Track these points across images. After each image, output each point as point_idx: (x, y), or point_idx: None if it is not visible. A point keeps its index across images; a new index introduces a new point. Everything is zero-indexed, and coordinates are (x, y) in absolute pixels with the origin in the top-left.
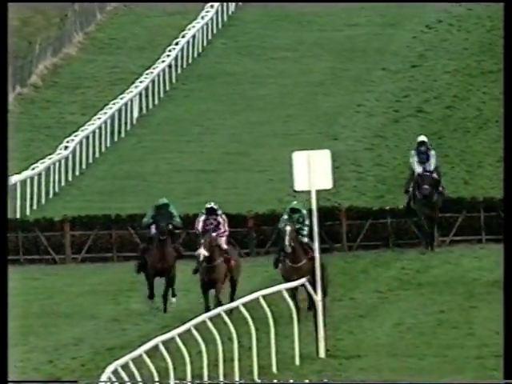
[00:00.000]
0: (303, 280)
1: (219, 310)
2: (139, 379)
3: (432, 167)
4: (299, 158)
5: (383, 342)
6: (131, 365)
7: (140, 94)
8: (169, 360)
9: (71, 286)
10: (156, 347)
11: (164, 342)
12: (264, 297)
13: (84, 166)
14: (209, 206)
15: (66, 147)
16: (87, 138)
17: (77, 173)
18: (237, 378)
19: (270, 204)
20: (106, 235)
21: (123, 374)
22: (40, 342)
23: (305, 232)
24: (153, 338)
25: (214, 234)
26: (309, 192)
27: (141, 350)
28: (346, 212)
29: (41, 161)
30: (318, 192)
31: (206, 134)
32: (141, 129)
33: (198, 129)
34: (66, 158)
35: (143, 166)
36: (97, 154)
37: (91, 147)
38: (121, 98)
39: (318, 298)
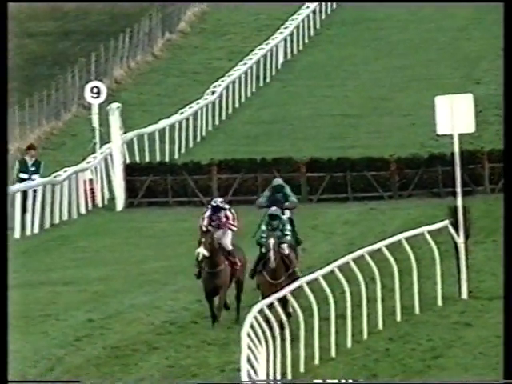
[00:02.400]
0: (446, 222)
1: (362, 251)
2: (284, 319)
3: None
4: (442, 102)
5: None
6: (276, 304)
7: (285, 40)
8: (313, 300)
9: None
10: (300, 287)
11: (308, 283)
12: (406, 239)
13: (230, 111)
14: (214, 203)
15: (213, 92)
16: (233, 83)
17: (223, 117)
18: (380, 319)
19: (413, 148)
20: (252, 178)
21: (269, 314)
22: (188, 281)
23: (288, 237)
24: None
25: (219, 233)
26: (451, 136)
27: (286, 291)
28: (489, 155)
29: (188, 106)
30: (461, 136)
31: (349, 78)
32: (285, 74)
33: (341, 74)
34: (213, 103)
35: (287, 111)
36: (243, 99)
37: (237, 92)
38: (266, 44)
39: (460, 240)
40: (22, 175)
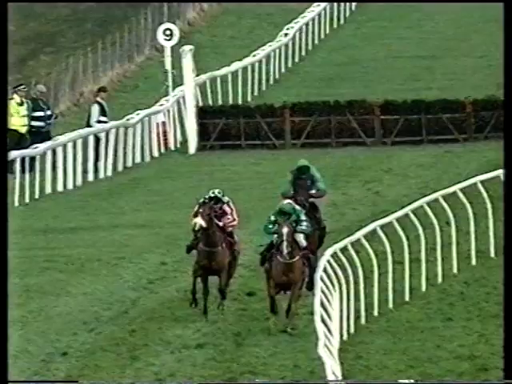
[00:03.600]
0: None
1: (437, 194)
2: (358, 264)
3: None
4: None
5: None
6: (350, 248)
7: None
8: (387, 244)
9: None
10: (374, 231)
11: (382, 226)
12: (482, 182)
13: (304, 53)
14: (212, 194)
15: (286, 34)
16: (307, 25)
17: (296, 59)
18: (454, 263)
19: (489, 89)
20: (325, 121)
21: (342, 258)
22: (257, 224)
23: (303, 227)
24: (370, 222)
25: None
26: None
27: (359, 234)
28: None
29: (261, 48)
30: None
31: (424, 19)
32: (360, 15)
33: (416, 15)
34: (286, 45)
35: (361, 53)
36: (316, 41)
37: (311, 34)
38: None
39: None
40: (102, 118)
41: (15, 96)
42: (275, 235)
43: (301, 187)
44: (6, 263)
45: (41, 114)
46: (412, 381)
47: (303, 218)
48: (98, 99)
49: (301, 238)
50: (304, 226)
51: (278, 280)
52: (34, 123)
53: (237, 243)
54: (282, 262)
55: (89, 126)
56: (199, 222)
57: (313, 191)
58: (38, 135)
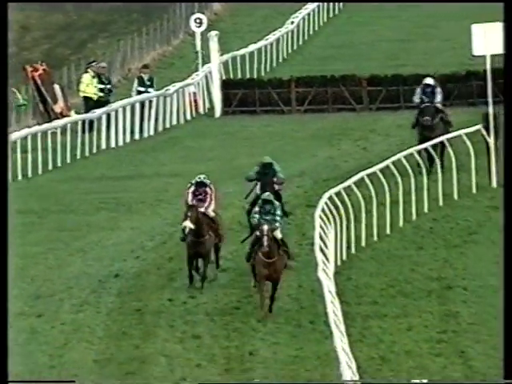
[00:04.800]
0: (479, 126)
1: (412, 150)
2: (349, 205)
3: (437, 100)
4: (477, 29)
5: None
6: (343, 192)
7: None
8: (372, 189)
9: (296, 131)
10: (362, 179)
11: (368, 175)
12: (448, 140)
13: (306, 37)
14: (199, 179)
15: (292, 22)
16: (309, 14)
17: (300, 42)
18: (425, 204)
19: (453, 66)
20: (323, 92)
21: (336, 200)
22: None
23: (277, 224)
24: (359, 172)
25: (202, 205)
26: (484, 56)
27: (350, 181)
28: None
29: (272, 33)
30: (492, 56)
31: (402, 10)
32: (351, 7)
33: (395, 6)
34: (292, 31)
35: (352, 37)
36: (316, 28)
37: (312, 22)
38: None
39: (491, 140)
40: (140, 88)
41: (89, 70)
42: (257, 232)
43: (264, 175)
44: (5, 264)
45: (102, 86)
46: (425, 380)
47: (278, 212)
48: (141, 74)
49: (277, 233)
50: (278, 221)
51: (262, 275)
52: (99, 93)
53: (220, 226)
54: (264, 260)
55: (138, 93)
56: (188, 225)
57: (275, 179)
58: (99, 103)
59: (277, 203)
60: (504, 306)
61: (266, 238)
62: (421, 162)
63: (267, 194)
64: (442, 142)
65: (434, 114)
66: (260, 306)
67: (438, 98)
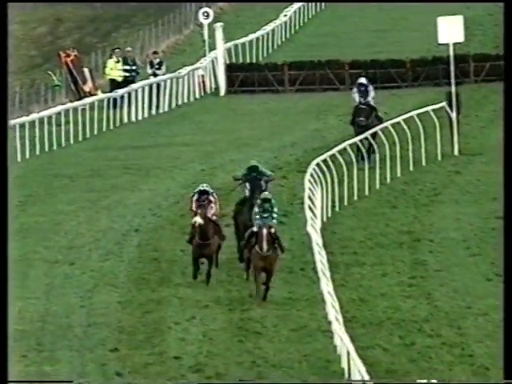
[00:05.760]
0: (444, 103)
1: (387, 123)
2: (334, 170)
3: (370, 98)
4: (442, 21)
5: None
6: (328, 160)
7: None
8: (353, 156)
9: (289, 108)
10: (344, 148)
11: (350, 145)
12: (417, 115)
13: (297, 28)
14: (202, 188)
15: (286, 15)
16: (299, 8)
17: (292, 32)
18: (398, 169)
19: (421, 52)
20: (312, 74)
21: (323, 166)
22: (269, 144)
23: (274, 221)
24: (342, 142)
25: (208, 214)
26: (448, 44)
27: (334, 150)
28: (473, 57)
29: (268, 24)
30: (454, 44)
31: (379, 5)
32: (335, 2)
33: (376, 4)
34: (285, 22)
35: (336, 28)
36: (306, 20)
37: (302, 15)
38: None
39: (453, 115)
40: (149, 71)
41: (113, 56)
42: (256, 226)
43: (250, 177)
44: (5, 264)
45: (128, 67)
46: (434, 381)
47: (275, 209)
48: (151, 59)
49: (273, 230)
50: (275, 218)
51: (258, 267)
52: (124, 74)
53: (221, 228)
54: (259, 253)
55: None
56: (198, 220)
57: (266, 177)
58: (125, 83)
59: (273, 201)
60: (504, 306)
61: (265, 243)
62: (394, 134)
63: (266, 193)
64: (373, 135)
65: (368, 115)
66: (256, 294)
67: (371, 95)
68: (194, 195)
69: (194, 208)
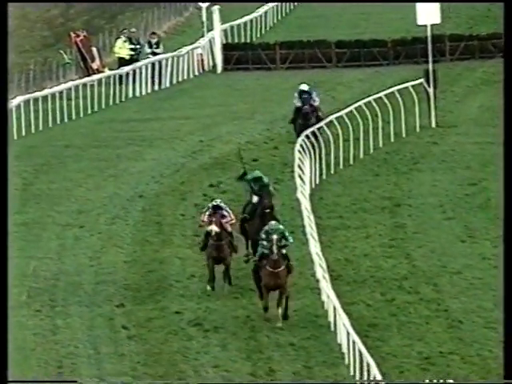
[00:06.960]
0: (422, 80)
1: (370, 98)
2: (321, 141)
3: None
4: (421, 6)
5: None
6: (316, 131)
7: None
8: (339, 128)
9: (280, 84)
10: (331, 121)
11: (336, 118)
12: (398, 90)
13: (288, 11)
14: (215, 203)
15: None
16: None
17: (283, 15)
18: (380, 140)
19: (401, 33)
20: (301, 53)
21: (313, 139)
22: (262, 116)
23: (288, 243)
24: (329, 115)
25: (223, 220)
26: (426, 25)
27: (322, 123)
28: (449, 37)
29: (262, 7)
30: (432, 25)
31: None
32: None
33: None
34: (277, 6)
35: (325, 10)
36: (296, 4)
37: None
38: None
39: (430, 90)
40: (148, 50)
41: (121, 36)
42: (265, 249)
43: (261, 191)
44: (5, 264)
45: (133, 46)
46: (450, 381)
47: (287, 234)
48: (150, 39)
49: (284, 250)
50: (289, 241)
51: (269, 285)
52: (130, 52)
53: (234, 238)
54: (270, 271)
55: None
56: (214, 228)
57: (270, 188)
58: (131, 61)
59: (281, 227)
60: (504, 306)
61: (275, 247)
62: (377, 108)
63: (274, 223)
64: (314, 133)
65: (309, 117)
66: (264, 311)
67: (317, 101)
68: (207, 210)
69: (205, 219)
